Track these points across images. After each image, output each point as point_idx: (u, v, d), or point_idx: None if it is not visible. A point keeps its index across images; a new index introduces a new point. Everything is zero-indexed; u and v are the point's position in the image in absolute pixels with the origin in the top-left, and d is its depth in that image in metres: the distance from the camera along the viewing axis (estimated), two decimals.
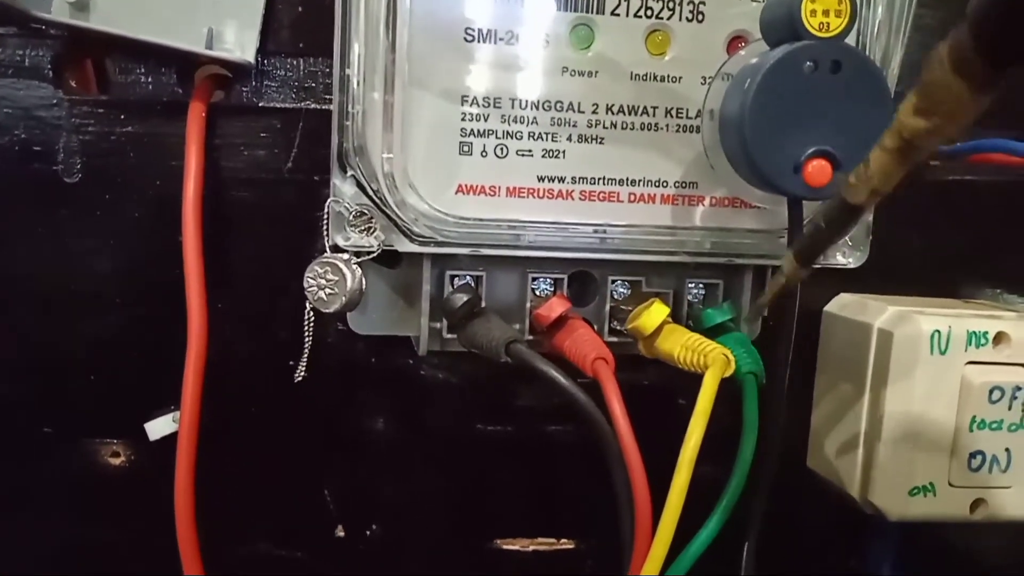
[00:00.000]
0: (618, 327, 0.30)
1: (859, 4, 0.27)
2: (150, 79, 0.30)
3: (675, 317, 0.29)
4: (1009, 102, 0.33)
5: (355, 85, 0.26)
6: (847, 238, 0.28)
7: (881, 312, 0.31)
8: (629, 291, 0.30)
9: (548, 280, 0.29)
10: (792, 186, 0.24)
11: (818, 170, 0.23)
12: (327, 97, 0.30)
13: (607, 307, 0.30)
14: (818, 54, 0.23)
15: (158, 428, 0.30)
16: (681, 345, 0.27)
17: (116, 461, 0.32)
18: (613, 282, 0.30)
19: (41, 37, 0.29)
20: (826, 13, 0.23)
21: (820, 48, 0.23)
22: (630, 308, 0.29)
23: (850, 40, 0.24)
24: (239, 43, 0.29)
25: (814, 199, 0.24)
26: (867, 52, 0.27)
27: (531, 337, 0.29)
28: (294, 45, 0.30)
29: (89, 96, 0.30)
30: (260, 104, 0.30)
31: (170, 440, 0.30)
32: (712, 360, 0.25)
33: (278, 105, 0.30)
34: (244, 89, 0.30)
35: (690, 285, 0.30)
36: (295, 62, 0.30)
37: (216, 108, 0.30)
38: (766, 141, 0.23)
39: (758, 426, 0.25)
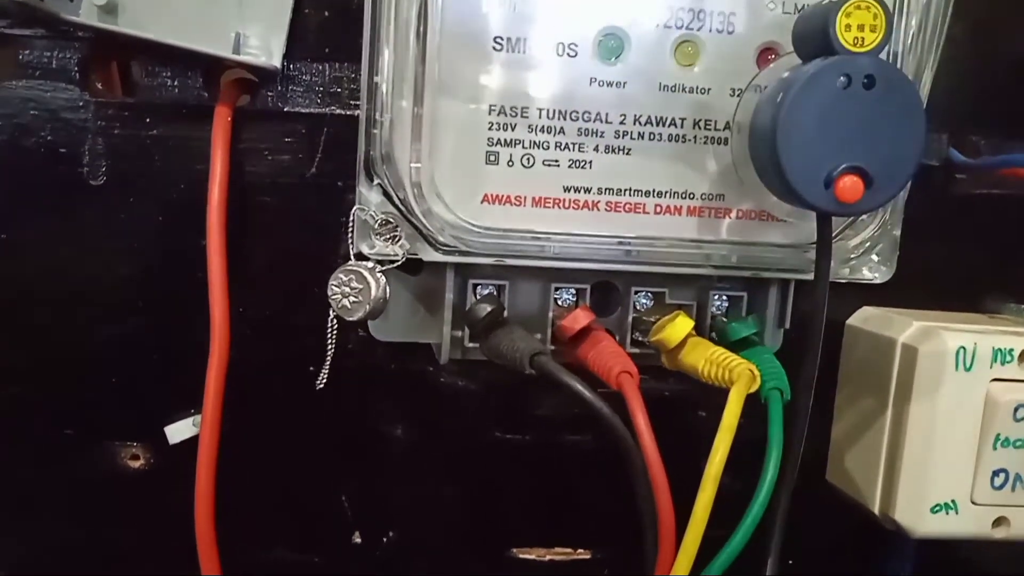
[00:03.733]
0: (640, 338, 0.30)
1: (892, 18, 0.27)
2: (176, 82, 0.30)
3: (698, 329, 0.29)
4: None
5: (384, 93, 0.26)
6: (875, 252, 0.28)
7: (906, 327, 0.31)
8: (652, 302, 0.30)
9: (571, 290, 0.29)
10: (823, 201, 0.23)
11: (850, 186, 0.23)
12: (352, 103, 0.30)
13: (629, 318, 0.30)
14: (852, 69, 0.23)
15: (178, 432, 0.30)
16: (705, 359, 0.27)
17: (136, 464, 0.32)
18: (636, 293, 0.29)
19: (68, 39, 0.29)
20: (861, 28, 0.23)
21: (854, 63, 0.23)
22: (653, 319, 0.29)
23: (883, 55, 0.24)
24: (266, 48, 0.29)
25: (845, 215, 0.24)
26: (900, 66, 0.27)
27: (553, 347, 0.29)
28: (320, 50, 0.30)
29: (115, 99, 0.30)
30: (285, 109, 0.30)
31: (190, 443, 0.30)
32: (738, 375, 0.25)
33: (303, 110, 0.30)
34: (270, 94, 0.30)
35: (714, 297, 0.30)
36: (321, 67, 0.30)
37: (241, 112, 0.30)
38: (798, 155, 0.23)
39: (783, 443, 0.25)
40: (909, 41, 0.27)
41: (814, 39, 0.23)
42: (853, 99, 0.23)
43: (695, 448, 0.26)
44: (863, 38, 0.23)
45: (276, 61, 0.29)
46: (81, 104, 0.29)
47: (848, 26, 0.23)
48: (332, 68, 0.30)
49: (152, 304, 0.31)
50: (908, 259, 0.31)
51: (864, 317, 0.33)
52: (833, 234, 0.26)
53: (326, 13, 0.30)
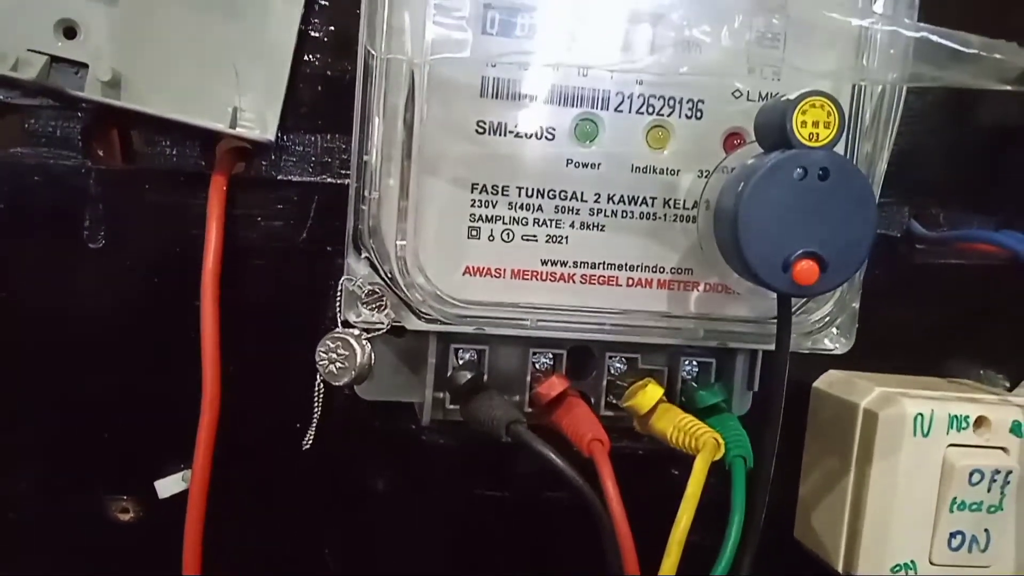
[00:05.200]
0: (615, 401, 0.31)
1: (854, 101, 0.29)
2: (174, 151, 0.31)
3: (669, 394, 0.31)
4: (995, 186, 0.35)
5: (372, 170, 0.27)
6: (835, 325, 0.29)
7: (868, 392, 0.32)
8: (626, 367, 0.31)
9: (549, 355, 0.30)
10: (781, 283, 0.25)
11: (806, 270, 0.25)
12: (342, 172, 0.31)
13: (604, 382, 0.31)
14: (807, 163, 0.25)
15: (168, 486, 0.31)
16: (674, 426, 0.28)
17: (125, 517, 0.33)
18: (611, 358, 0.31)
19: (72, 109, 0.30)
20: (815, 124, 0.25)
21: (809, 157, 0.25)
22: (627, 383, 0.31)
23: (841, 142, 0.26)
24: (261, 121, 0.30)
25: (802, 296, 0.26)
26: (856, 152, 0.28)
27: (530, 409, 0.30)
28: (313, 122, 0.31)
29: (115, 166, 0.31)
30: (279, 177, 0.31)
31: (180, 498, 0.31)
32: (703, 444, 0.27)
33: (295, 179, 0.32)
34: (264, 163, 0.31)
35: (684, 363, 0.31)
36: (313, 138, 0.31)
37: (236, 179, 0.31)
38: (757, 241, 0.25)
39: (745, 507, 0.26)
40: (864, 129, 0.28)
41: (773, 132, 0.25)
42: (809, 189, 0.25)
43: (668, 506, 0.27)
44: (818, 133, 0.25)
45: (270, 134, 0.30)
46: (83, 171, 0.31)
47: (804, 122, 0.25)
48: (324, 139, 0.31)
49: (146, 362, 0.32)
50: (873, 324, 0.32)
51: (830, 381, 0.35)
52: (795, 310, 0.28)
53: (319, 87, 0.31)
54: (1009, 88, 0.24)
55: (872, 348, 0.33)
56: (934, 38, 0.24)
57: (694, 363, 0.31)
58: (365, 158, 0.27)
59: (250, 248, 0.32)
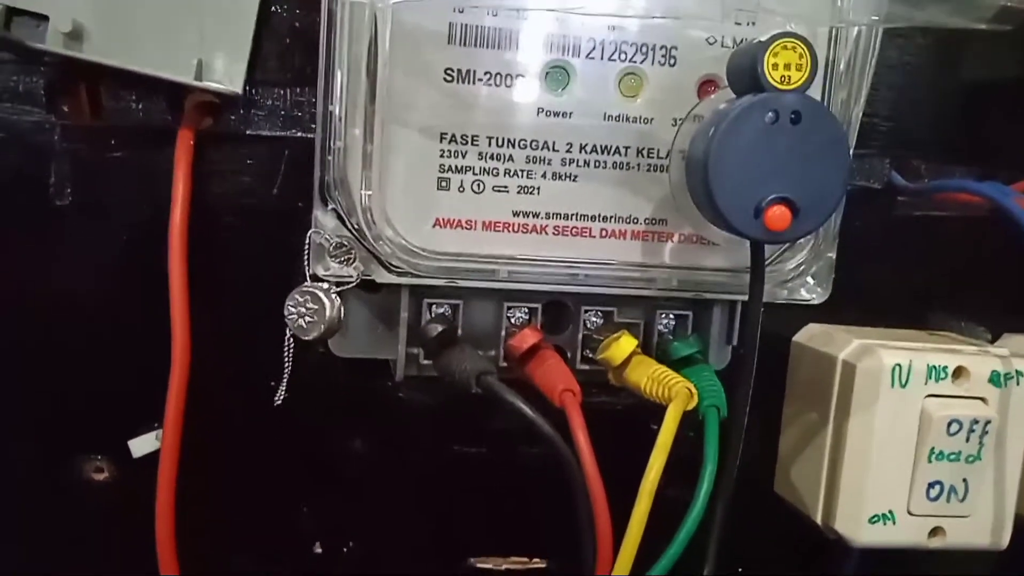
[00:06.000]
0: (591, 355, 0.31)
1: (831, 48, 0.28)
2: (141, 106, 0.31)
3: (645, 347, 0.31)
4: (976, 138, 0.35)
5: (337, 121, 0.27)
6: (810, 274, 0.29)
7: (846, 344, 0.32)
8: (602, 321, 0.31)
9: (523, 309, 0.30)
10: (753, 230, 0.25)
11: (778, 215, 0.24)
12: (313, 126, 0.31)
13: (580, 336, 0.31)
14: (779, 106, 0.24)
15: (142, 445, 0.31)
16: (648, 377, 0.28)
17: (100, 477, 0.32)
18: (586, 312, 0.31)
19: (36, 64, 0.30)
20: (787, 67, 0.24)
21: (781, 100, 0.24)
22: (603, 337, 0.30)
23: (817, 84, 0.25)
24: (228, 75, 0.30)
25: (774, 243, 0.25)
26: (831, 98, 0.28)
27: (505, 364, 0.30)
28: (281, 75, 0.31)
29: (81, 122, 0.31)
30: (248, 132, 0.31)
31: (154, 457, 0.30)
32: (675, 393, 0.26)
33: (265, 133, 0.31)
34: (232, 117, 0.31)
35: (661, 316, 0.31)
36: (282, 91, 0.31)
37: (205, 135, 0.31)
38: (729, 187, 0.24)
39: (718, 458, 0.26)
40: (841, 73, 0.28)
41: (744, 76, 0.25)
42: (781, 134, 0.24)
43: (645, 461, 0.27)
44: (789, 76, 0.24)
45: (237, 87, 0.30)
46: (47, 126, 0.30)
47: (775, 65, 0.24)
48: (293, 93, 0.31)
49: (116, 321, 0.32)
50: (855, 277, 0.32)
51: (809, 334, 0.35)
52: (769, 259, 0.28)
53: (287, 40, 0.31)
54: (984, 27, 0.24)
55: (854, 301, 0.33)
56: None
57: (671, 316, 0.31)
58: (330, 108, 0.27)
59: (220, 204, 0.31)
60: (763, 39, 0.24)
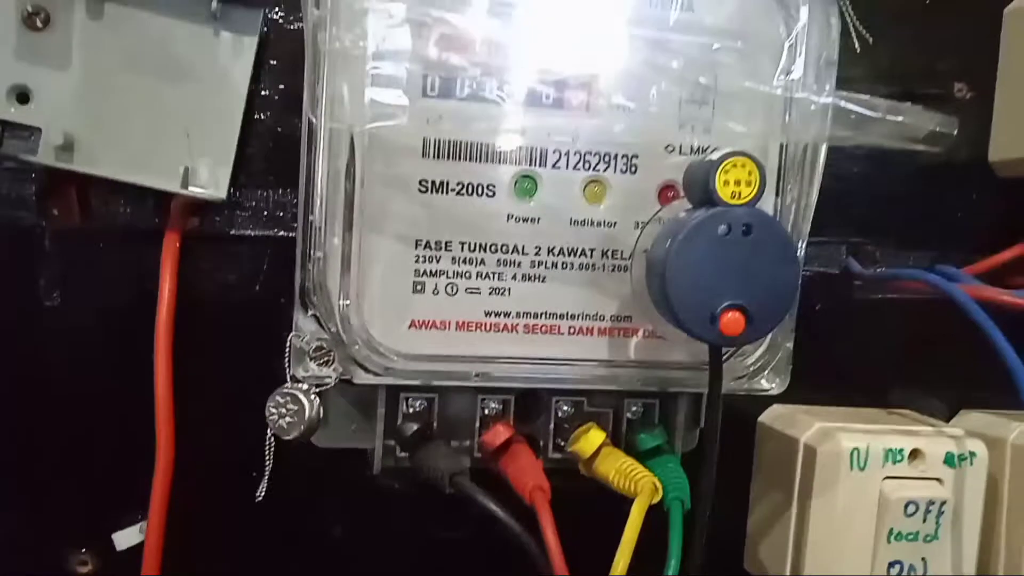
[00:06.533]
0: (562, 443, 0.32)
1: (782, 156, 0.30)
2: (129, 209, 0.32)
3: (614, 435, 0.32)
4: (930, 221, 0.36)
5: (317, 230, 0.28)
6: (769, 367, 0.31)
7: (807, 427, 0.33)
8: (572, 410, 0.32)
9: (498, 400, 0.31)
10: (709, 334, 0.26)
11: (732, 321, 0.26)
12: (295, 225, 0.32)
13: (551, 425, 0.32)
14: (731, 220, 0.26)
15: (126, 538, 0.32)
16: (615, 470, 0.29)
17: (84, 569, 0.33)
18: (557, 402, 0.32)
19: (27, 170, 0.31)
20: (737, 183, 0.26)
21: (732, 214, 0.26)
22: (573, 426, 0.32)
23: (770, 190, 0.27)
24: (213, 180, 0.31)
25: (729, 346, 0.27)
26: (783, 201, 0.30)
27: (479, 455, 0.31)
28: (264, 178, 0.32)
29: (71, 225, 0.32)
30: (231, 232, 0.32)
31: (138, 549, 0.31)
32: (641, 488, 0.28)
33: (248, 233, 0.32)
34: (217, 218, 0.32)
35: (629, 405, 0.32)
36: (265, 193, 0.32)
37: (190, 235, 0.32)
38: (685, 294, 0.26)
39: (681, 552, 0.27)
40: (791, 181, 0.30)
41: (698, 190, 0.26)
42: (733, 245, 0.26)
43: (616, 548, 0.28)
44: (740, 191, 0.26)
45: (222, 192, 0.31)
46: (37, 230, 0.31)
47: (727, 181, 0.26)
48: (276, 194, 0.32)
49: (102, 415, 0.32)
50: (817, 358, 0.33)
51: (773, 415, 0.36)
52: (728, 356, 0.29)
53: (270, 144, 0.32)
54: (919, 148, 0.26)
55: (816, 382, 0.35)
56: (843, 104, 0.25)
57: (639, 404, 0.32)
58: (310, 219, 0.28)
59: (204, 302, 0.33)
60: (714, 157, 0.26)
